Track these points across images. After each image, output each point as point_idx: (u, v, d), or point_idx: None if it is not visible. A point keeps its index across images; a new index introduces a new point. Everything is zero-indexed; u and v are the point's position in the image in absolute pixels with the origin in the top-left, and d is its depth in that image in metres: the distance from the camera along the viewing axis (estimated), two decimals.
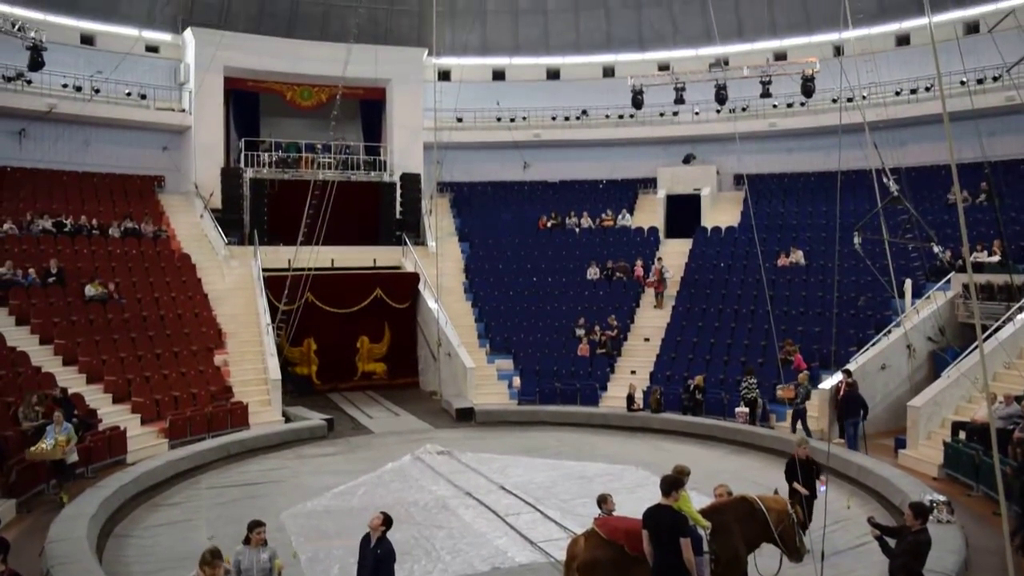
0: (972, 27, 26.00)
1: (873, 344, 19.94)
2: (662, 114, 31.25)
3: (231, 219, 27.71)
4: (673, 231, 30.45)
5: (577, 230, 31.03)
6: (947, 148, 10.22)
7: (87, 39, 28.08)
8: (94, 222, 24.66)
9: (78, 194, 26.40)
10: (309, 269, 23.78)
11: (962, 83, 23.15)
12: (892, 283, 19.21)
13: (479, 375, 23.69)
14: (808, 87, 27.43)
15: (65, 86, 26.10)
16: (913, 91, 27.03)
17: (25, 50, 22.58)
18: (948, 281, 21.09)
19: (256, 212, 28.01)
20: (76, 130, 27.16)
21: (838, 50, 27.00)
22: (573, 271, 28.59)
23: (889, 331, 20.18)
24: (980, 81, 24.98)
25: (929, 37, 16.09)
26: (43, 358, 18.46)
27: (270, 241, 27.20)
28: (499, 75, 34.17)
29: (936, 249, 21.69)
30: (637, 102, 29.45)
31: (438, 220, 28.36)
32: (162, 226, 26.29)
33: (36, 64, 23.10)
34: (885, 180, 18.92)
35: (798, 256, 25.74)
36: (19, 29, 22.11)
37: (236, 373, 21.48)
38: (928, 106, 25.55)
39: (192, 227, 27.32)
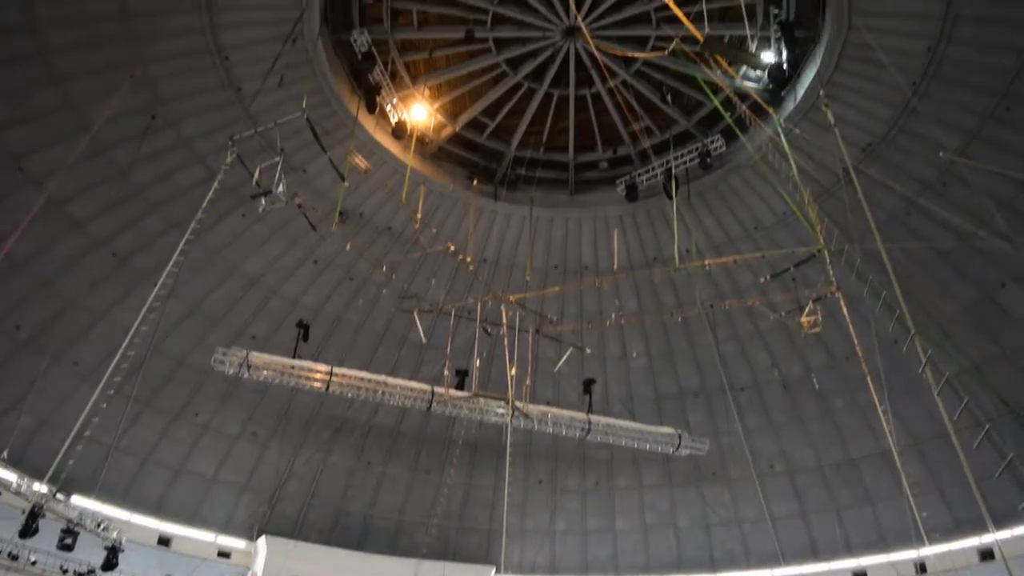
0: None
1: None
2: None
3: None
4: None
5: None
6: None
7: (164, 540, 28.76)
8: None
9: None
10: None
11: None
12: None
13: None
14: None
15: None
16: None
17: (103, 548, 23.14)
18: None
19: None
20: None
21: (921, 567, 25.95)
22: None
23: None
24: None
25: (1012, 550, 15.73)
26: None
27: None
28: None
29: None
30: None
31: None
32: None
33: (110, 565, 23.43)
34: None
35: None
36: (103, 528, 22.96)
37: None
38: None
39: None
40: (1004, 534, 23.16)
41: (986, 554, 27.10)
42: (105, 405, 19.68)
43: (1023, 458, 17.83)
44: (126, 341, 19.16)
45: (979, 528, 26.44)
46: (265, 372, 25.40)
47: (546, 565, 33.35)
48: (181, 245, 20.30)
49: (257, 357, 25.24)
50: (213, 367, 25.13)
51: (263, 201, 24.12)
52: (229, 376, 26.01)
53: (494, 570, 31.68)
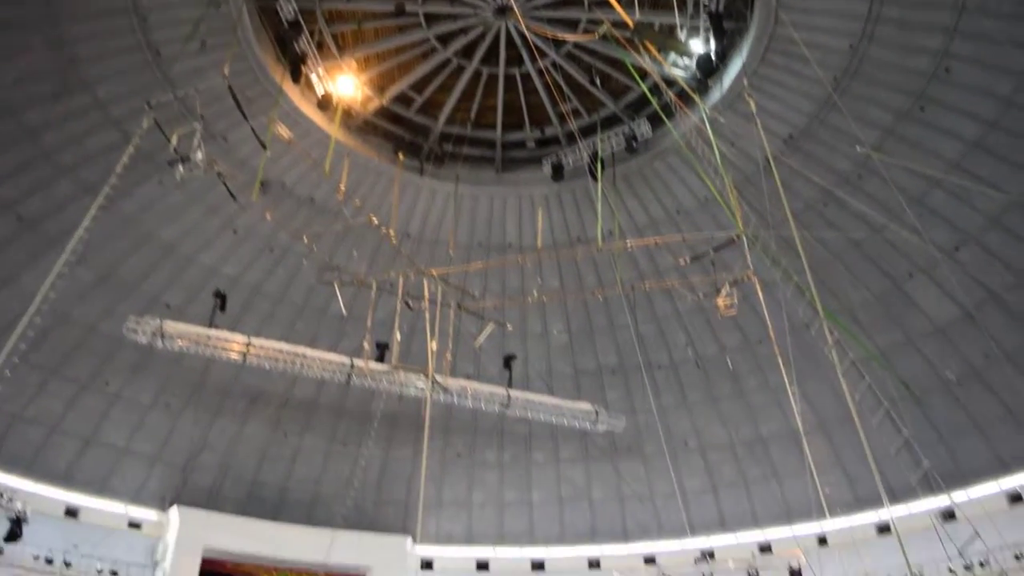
0: (949, 514, 26.24)
1: None
2: None
3: None
4: None
5: None
6: None
7: (72, 511, 27.52)
8: None
9: None
10: None
11: (950, 570, 23.01)
12: None
13: None
14: None
15: (37, 558, 25.13)
16: None
17: (6, 519, 22.38)
18: None
19: None
20: None
21: (822, 540, 27.24)
22: None
23: None
24: (968, 567, 24.63)
25: (907, 525, 16.55)
26: None
27: None
28: (483, 565, 33.27)
29: None
30: None
31: None
32: None
33: (13, 536, 22.73)
34: None
35: None
36: (7, 500, 22.23)
37: None
38: None
39: None
40: (900, 509, 24.30)
41: (883, 528, 28.47)
42: (9, 373, 18.95)
43: (920, 439, 18.81)
44: (32, 307, 18.31)
45: (877, 504, 27.80)
46: (180, 342, 24.74)
47: (463, 536, 33.64)
48: (92, 210, 19.50)
49: (171, 326, 24.59)
50: (125, 336, 24.43)
51: (180, 168, 23.31)
52: (142, 345, 25.27)
53: (411, 540, 31.84)
